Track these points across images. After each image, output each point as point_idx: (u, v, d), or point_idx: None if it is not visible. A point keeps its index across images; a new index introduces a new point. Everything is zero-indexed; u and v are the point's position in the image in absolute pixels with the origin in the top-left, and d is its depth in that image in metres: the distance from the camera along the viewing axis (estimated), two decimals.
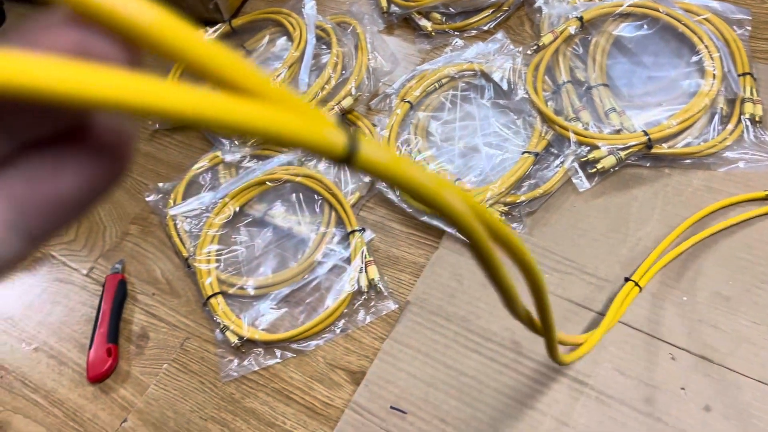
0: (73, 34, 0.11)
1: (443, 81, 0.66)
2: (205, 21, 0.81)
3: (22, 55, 0.10)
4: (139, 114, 0.11)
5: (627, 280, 0.52)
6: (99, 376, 0.59)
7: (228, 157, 0.68)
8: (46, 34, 0.11)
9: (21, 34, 0.12)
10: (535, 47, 0.65)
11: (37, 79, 0.10)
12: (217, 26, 0.80)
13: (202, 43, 0.12)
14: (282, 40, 0.78)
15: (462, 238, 0.18)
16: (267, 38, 0.78)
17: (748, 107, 0.57)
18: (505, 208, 0.57)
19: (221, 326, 0.58)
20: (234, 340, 0.57)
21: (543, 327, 0.32)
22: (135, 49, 0.12)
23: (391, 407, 0.52)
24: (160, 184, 0.70)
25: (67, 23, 0.11)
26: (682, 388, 0.48)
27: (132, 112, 0.11)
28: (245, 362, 0.57)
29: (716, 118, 0.58)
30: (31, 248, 0.13)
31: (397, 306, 0.57)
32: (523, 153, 0.59)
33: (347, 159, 0.14)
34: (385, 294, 0.57)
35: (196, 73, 0.12)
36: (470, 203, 0.17)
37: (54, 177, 0.12)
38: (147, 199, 0.70)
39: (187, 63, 0.12)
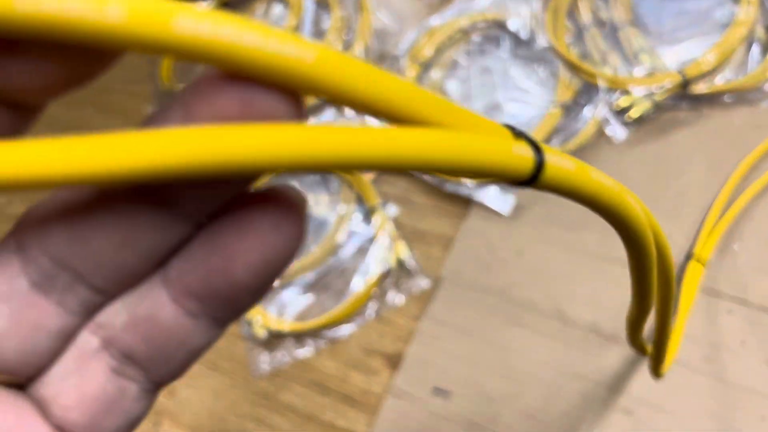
0: (234, 96, 0.10)
1: (456, 36, 0.62)
2: None
3: (190, 132, 0.09)
4: (327, 169, 0.10)
5: (688, 258, 0.48)
6: None
7: None
8: (205, 102, 0.10)
9: (177, 104, 0.10)
10: None
11: (216, 155, 0.09)
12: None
13: (371, 73, 0.10)
14: (278, 8, 0.74)
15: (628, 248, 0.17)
16: (263, 8, 0.74)
17: None
18: None
19: (248, 320, 0.55)
20: (262, 333, 0.54)
21: (656, 349, 0.30)
22: (298, 98, 0.10)
23: (434, 389, 0.50)
24: None
25: (224, 83, 0.10)
26: (743, 343, 0.45)
27: (318, 168, 0.10)
28: (276, 355, 0.55)
29: (755, 48, 0.53)
30: (220, 331, 0.13)
31: (429, 283, 0.54)
32: (550, 106, 0.56)
33: (532, 178, 0.11)
34: (416, 271, 0.54)
35: (366, 109, 0.10)
36: (645, 209, 0.15)
37: (231, 256, 0.11)
38: None
39: (356, 98, 0.10)
